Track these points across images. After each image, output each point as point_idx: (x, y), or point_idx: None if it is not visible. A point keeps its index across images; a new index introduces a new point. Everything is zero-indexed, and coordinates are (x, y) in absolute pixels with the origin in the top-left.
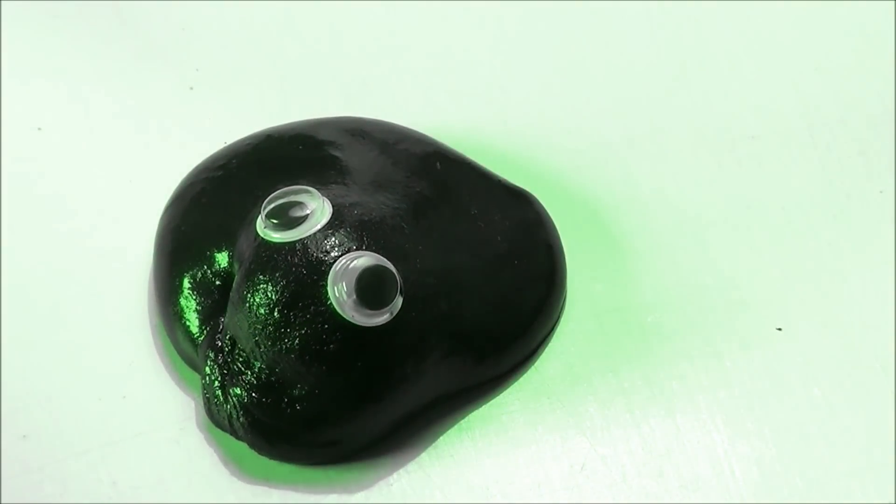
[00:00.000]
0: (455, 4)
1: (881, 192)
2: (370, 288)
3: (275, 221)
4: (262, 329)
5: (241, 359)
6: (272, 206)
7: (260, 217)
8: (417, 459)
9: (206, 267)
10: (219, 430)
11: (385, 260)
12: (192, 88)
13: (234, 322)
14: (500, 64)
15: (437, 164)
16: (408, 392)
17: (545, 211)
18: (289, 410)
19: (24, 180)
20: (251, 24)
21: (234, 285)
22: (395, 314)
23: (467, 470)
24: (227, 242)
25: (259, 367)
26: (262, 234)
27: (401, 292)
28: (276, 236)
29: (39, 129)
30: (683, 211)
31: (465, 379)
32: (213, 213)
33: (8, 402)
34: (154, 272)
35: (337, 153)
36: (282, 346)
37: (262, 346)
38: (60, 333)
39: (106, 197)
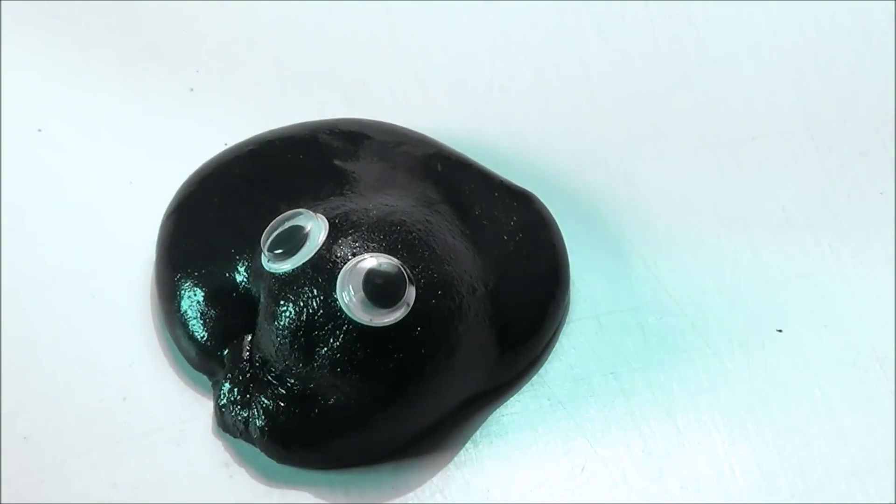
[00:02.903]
0: (455, 4)
1: (881, 193)
2: (379, 288)
3: (278, 252)
4: (290, 354)
5: (272, 373)
6: (270, 239)
7: (262, 253)
8: (418, 462)
9: (214, 280)
10: (220, 431)
11: (387, 256)
12: (192, 90)
13: (262, 344)
14: (501, 64)
15: (438, 165)
16: (439, 391)
17: (548, 211)
18: (318, 420)
19: (25, 181)
20: (251, 26)
21: (259, 313)
22: (411, 305)
23: (467, 471)
24: (238, 259)
25: (292, 383)
26: (268, 269)
27: (411, 282)
28: (284, 267)
29: (40, 130)
30: (684, 211)
31: (486, 380)
32: (222, 228)
33: (8, 403)
34: (158, 277)
35: (338, 162)
36: (313, 365)
37: (294, 368)
38: (61, 334)
39: (106, 198)
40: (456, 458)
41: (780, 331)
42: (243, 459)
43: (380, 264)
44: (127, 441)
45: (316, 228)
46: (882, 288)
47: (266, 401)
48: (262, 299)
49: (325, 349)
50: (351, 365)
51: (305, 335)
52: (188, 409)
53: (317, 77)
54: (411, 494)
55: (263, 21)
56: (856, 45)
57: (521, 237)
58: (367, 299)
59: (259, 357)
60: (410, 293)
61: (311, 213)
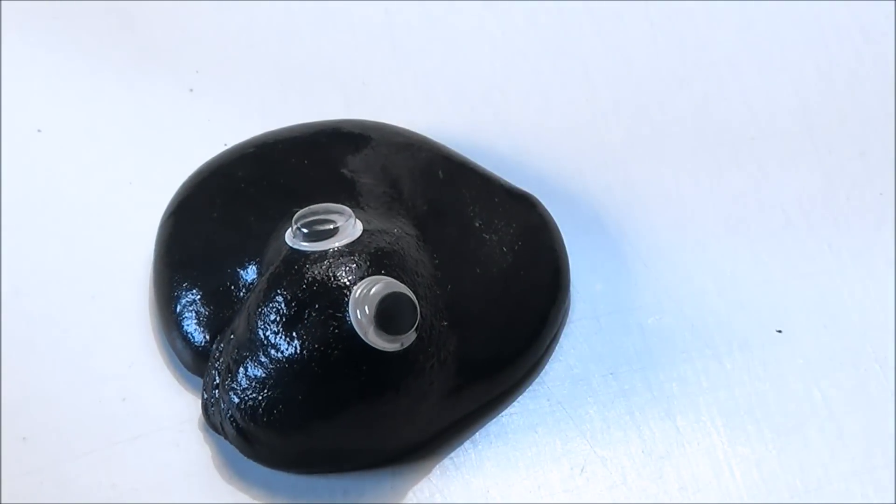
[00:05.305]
0: (455, 5)
1: (881, 193)
2: (390, 312)
3: (304, 231)
4: (276, 319)
5: (238, 364)
6: (304, 220)
7: (290, 230)
8: (417, 463)
9: (215, 280)
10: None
11: (409, 290)
12: (191, 90)
13: (242, 325)
14: (501, 65)
15: (440, 172)
16: (397, 429)
17: (548, 214)
18: (265, 418)
19: (24, 181)
20: (251, 26)
21: (254, 291)
22: (405, 346)
23: (467, 472)
24: (244, 260)
25: (250, 370)
26: (290, 244)
27: (417, 329)
28: (304, 245)
29: (39, 130)
30: (683, 212)
31: (474, 403)
32: (227, 229)
33: (8, 403)
34: (157, 278)
35: (343, 170)
36: (286, 342)
37: (263, 332)
38: (60, 335)
39: (106, 198)
40: (455, 459)
41: (780, 331)
42: (242, 460)
43: (402, 294)
44: (126, 441)
45: (350, 228)
46: (882, 288)
47: (231, 395)
48: (264, 275)
49: (306, 332)
50: (319, 355)
51: (296, 309)
52: (187, 409)
53: (316, 77)
54: (410, 495)
55: (263, 21)
56: (856, 46)
57: (521, 244)
58: (375, 316)
59: (235, 347)
60: (410, 337)
61: (350, 211)
